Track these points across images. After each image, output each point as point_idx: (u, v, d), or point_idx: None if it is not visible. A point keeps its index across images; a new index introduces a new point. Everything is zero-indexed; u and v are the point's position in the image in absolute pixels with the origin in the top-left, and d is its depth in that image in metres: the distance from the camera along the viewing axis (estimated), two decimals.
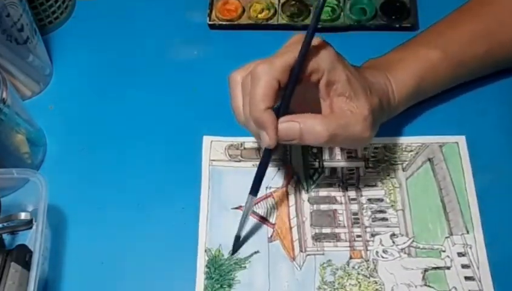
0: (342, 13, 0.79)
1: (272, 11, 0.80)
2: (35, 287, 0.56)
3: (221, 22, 0.80)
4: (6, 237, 0.66)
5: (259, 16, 0.80)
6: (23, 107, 0.70)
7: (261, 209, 0.67)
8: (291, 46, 0.59)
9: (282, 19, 0.80)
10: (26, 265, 0.60)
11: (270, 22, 0.80)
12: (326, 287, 0.62)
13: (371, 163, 0.69)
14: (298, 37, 0.60)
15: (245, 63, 0.61)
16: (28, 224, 0.64)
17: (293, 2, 0.81)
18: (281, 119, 0.58)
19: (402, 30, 0.78)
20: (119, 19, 0.83)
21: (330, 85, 0.58)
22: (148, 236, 0.66)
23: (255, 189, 0.61)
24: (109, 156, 0.71)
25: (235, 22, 0.80)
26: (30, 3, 0.75)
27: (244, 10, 0.81)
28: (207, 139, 0.72)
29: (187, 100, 0.75)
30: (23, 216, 0.64)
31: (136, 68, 0.78)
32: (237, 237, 0.63)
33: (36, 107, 0.75)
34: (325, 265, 0.63)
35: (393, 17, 0.78)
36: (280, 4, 0.81)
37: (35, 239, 0.59)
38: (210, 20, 0.81)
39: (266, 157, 0.61)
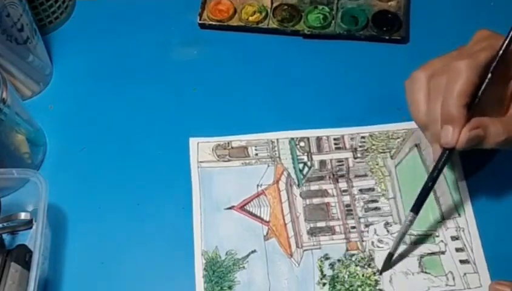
0: (333, 21, 0.78)
1: (264, 14, 0.79)
2: (35, 287, 0.56)
3: (211, 22, 0.80)
4: (6, 237, 0.65)
5: (250, 18, 0.79)
6: (23, 107, 0.69)
7: (254, 207, 0.67)
8: (483, 43, 0.57)
9: (272, 23, 0.79)
10: (26, 265, 0.60)
11: (260, 25, 0.79)
12: (325, 281, 0.62)
13: (359, 153, 0.70)
14: (484, 33, 0.59)
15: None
16: (28, 224, 0.64)
17: (286, 7, 0.80)
18: (469, 124, 0.56)
19: (392, 42, 0.77)
20: (118, 19, 0.82)
21: None
22: (148, 236, 0.66)
23: (417, 206, 0.60)
24: (109, 156, 0.71)
25: (225, 23, 0.80)
26: (30, 3, 0.74)
27: (235, 11, 0.80)
28: (193, 141, 0.71)
29: (187, 99, 0.75)
30: (23, 216, 0.64)
31: (135, 68, 0.78)
32: (390, 254, 0.61)
33: (36, 107, 0.75)
34: (323, 259, 0.63)
35: (384, 28, 0.77)
36: (272, 8, 0.80)
37: (35, 239, 0.59)
38: (200, 20, 0.80)
39: (443, 161, 0.58)
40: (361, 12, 0.79)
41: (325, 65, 0.76)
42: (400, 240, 0.61)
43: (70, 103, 0.76)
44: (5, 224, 0.64)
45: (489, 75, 0.56)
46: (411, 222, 0.60)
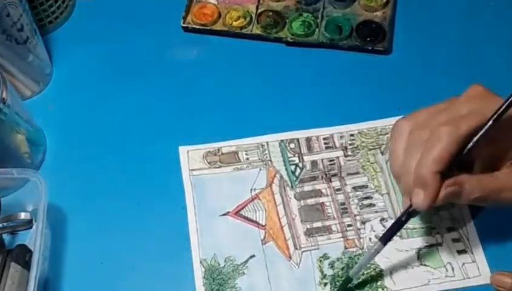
0: (317, 30, 0.78)
1: (248, 19, 0.79)
2: (35, 287, 0.56)
3: (194, 26, 0.80)
4: (6, 237, 0.65)
5: (234, 23, 0.79)
6: (23, 107, 0.69)
7: (249, 212, 0.66)
8: (473, 104, 0.56)
9: (256, 29, 0.79)
10: (26, 265, 0.59)
11: (243, 30, 0.79)
12: (326, 281, 0.62)
13: (350, 151, 0.70)
14: (477, 90, 0.57)
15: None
16: (28, 223, 0.64)
17: (271, 13, 0.80)
18: (445, 183, 0.55)
19: (375, 52, 0.77)
20: (118, 20, 0.82)
21: (506, 150, 0.57)
22: (148, 236, 0.65)
23: (386, 238, 0.58)
24: (109, 156, 0.71)
25: (208, 27, 0.80)
26: (30, 3, 0.74)
27: (220, 16, 0.80)
28: (183, 150, 0.71)
29: (187, 101, 0.75)
30: (23, 216, 0.64)
31: (135, 68, 0.78)
32: (348, 279, 0.60)
33: (36, 107, 0.75)
34: (322, 259, 0.63)
35: (368, 38, 0.77)
36: (257, 14, 0.80)
37: (35, 239, 0.59)
38: (184, 23, 0.80)
39: (407, 217, 0.57)
40: (346, 21, 0.78)
41: (309, 72, 0.76)
42: (361, 268, 0.60)
43: (70, 103, 0.76)
44: (5, 224, 0.64)
45: (475, 139, 0.55)
46: (377, 251, 0.58)
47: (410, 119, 0.59)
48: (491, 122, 0.54)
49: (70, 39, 0.81)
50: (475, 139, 0.54)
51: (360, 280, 0.62)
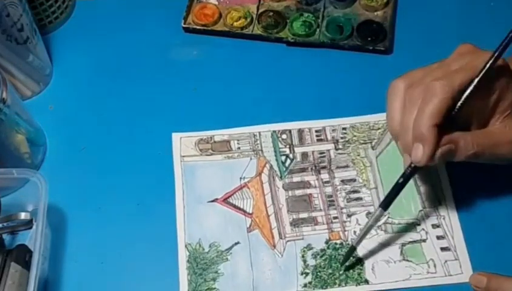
0: (318, 30, 0.78)
1: (249, 20, 0.79)
2: (35, 287, 0.56)
3: (195, 26, 0.80)
4: (6, 237, 0.65)
5: (235, 24, 0.79)
6: (23, 107, 0.69)
7: (237, 200, 0.67)
8: (463, 59, 0.58)
9: (257, 29, 0.79)
10: (26, 265, 0.60)
11: (244, 31, 0.79)
12: (308, 271, 0.63)
13: (341, 145, 0.70)
14: (466, 48, 0.59)
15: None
16: (28, 224, 0.64)
17: (271, 13, 0.80)
18: (442, 140, 0.57)
19: (376, 52, 0.77)
20: (118, 19, 0.83)
21: (497, 102, 0.58)
22: (147, 235, 0.66)
23: (386, 203, 0.60)
24: (109, 156, 0.71)
25: (209, 28, 0.80)
26: (30, 3, 0.74)
27: (220, 16, 0.80)
28: (176, 136, 0.72)
29: (186, 101, 0.75)
30: (23, 216, 0.64)
31: (135, 68, 0.78)
32: (352, 248, 0.62)
33: (36, 107, 0.75)
34: (305, 249, 0.64)
35: (369, 38, 0.77)
36: (258, 14, 0.80)
37: (35, 239, 0.59)
38: (185, 24, 0.80)
39: (409, 175, 0.59)
40: (347, 21, 0.78)
41: (309, 72, 0.76)
42: (364, 234, 0.61)
43: (70, 103, 0.76)
44: (5, 224, 0.64)
45: (468, 91, 0.56)
46: (378, 217, 0.60)
47: (405, 78, 0.60)
48: (481, 74, 0.56)
49: (70, 39, 0.81)
50: (468, 90, 0.56)
51: (347, 263, 0.62)
